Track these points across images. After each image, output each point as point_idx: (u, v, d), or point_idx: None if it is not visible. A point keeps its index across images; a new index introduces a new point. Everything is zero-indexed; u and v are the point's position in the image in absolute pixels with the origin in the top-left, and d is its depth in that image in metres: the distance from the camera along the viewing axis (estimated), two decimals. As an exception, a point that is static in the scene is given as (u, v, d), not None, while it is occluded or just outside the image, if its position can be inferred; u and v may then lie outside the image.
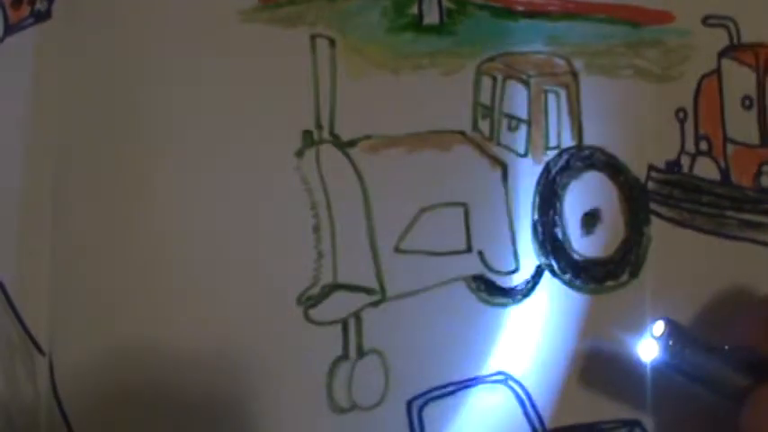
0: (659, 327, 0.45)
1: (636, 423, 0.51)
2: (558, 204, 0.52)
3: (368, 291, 0.50)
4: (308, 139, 0.50)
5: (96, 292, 0.49)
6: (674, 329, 0.45)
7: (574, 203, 0.52)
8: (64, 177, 0.49)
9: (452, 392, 0.50)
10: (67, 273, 0.49)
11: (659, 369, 0.46)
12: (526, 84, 0.52)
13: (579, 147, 0.53)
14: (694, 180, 0.53)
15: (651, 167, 0.53)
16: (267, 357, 0.49)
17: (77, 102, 0.50)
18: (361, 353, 0.49)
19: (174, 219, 0.49)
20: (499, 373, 0.50)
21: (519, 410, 0.50)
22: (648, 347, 0.45)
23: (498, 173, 0.52)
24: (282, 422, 0.49)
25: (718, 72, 0.54)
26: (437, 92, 0.52)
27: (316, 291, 0.49)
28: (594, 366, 0.51)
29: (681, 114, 0.54)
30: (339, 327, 0.49)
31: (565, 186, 0.52)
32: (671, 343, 0.44)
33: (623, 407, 0.51)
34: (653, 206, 0.53)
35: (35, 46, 0.50)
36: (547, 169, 0.52)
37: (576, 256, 0.52)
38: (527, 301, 0.51)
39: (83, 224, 0.49)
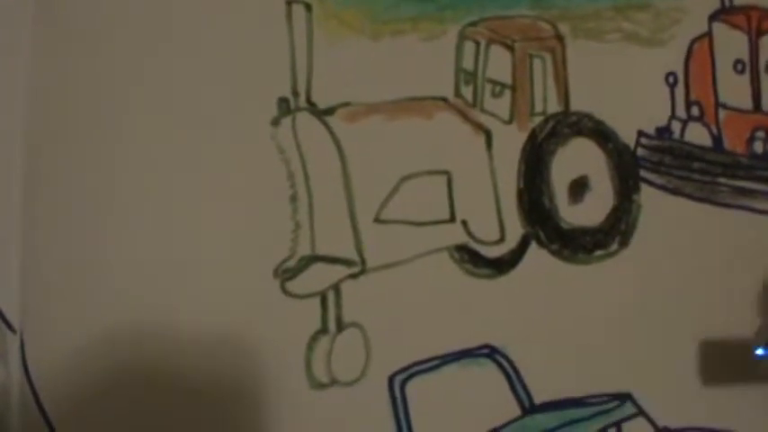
0: None
1: (626, 396, 0.50)
2: (544, 172, 0.51)
3: (347, 262, 0.49)
4: (284, 107, 0.49)
5: (68, 268, 0.48)
6: None
7: (561, 171, 0.51)
8: (35, 153, 0.48)
9: (436, 367, 0.49)
10: (39, 250, 0.48)
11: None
12: (510, 48, 0.51)
13: (566, 113, 0.51)
14: (685, 146, 0.52)
15: (641, 133, 0.52)
16: (244, 332, 0.48)
17: (49, 77, 0.48)
18: (340, 326, 0.48)
19: (148, 190, 0.48)
20: (484, 346, 0.49)
21: (505, 385, 0.49)
22: None
23: (482, 140, 0.50)
24: (260, 398, 0.48)
25: (709, 36, 0.53)
26: (418, 58, 0.50)
27: (293, 263, 0.48)
28: None
29: (671, 79, 0.52)
30: (317, 300, 0.48)
31: (551, 153, 0.51)
32: None
33: None
34: (643, 173, 0.52)
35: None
36: (532, 136, 0.51)
37: (563, 225, 0.51)
38: (513, 271, 0.50)
39: (54, 197, 0.48)
